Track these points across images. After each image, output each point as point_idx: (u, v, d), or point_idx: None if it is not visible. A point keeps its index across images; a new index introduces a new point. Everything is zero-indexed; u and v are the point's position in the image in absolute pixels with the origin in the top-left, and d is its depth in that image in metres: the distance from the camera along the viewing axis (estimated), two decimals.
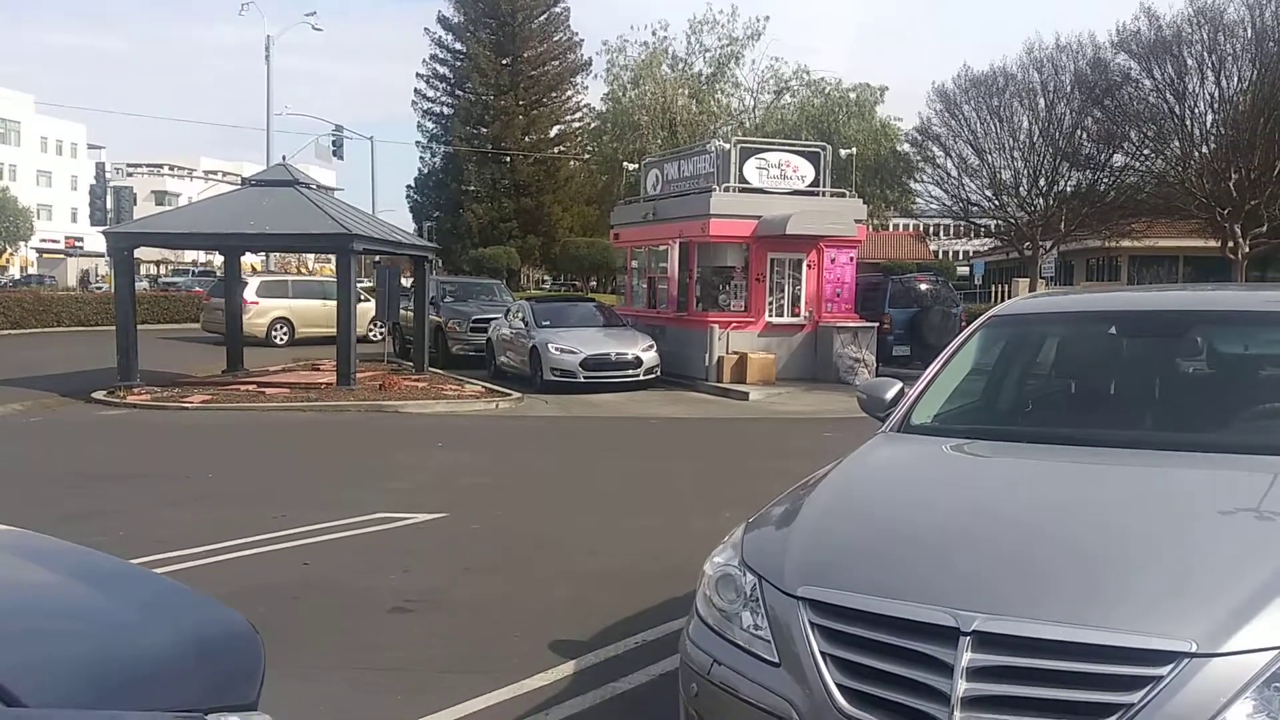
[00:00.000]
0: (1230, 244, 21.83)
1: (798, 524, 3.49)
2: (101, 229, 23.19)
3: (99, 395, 16.57)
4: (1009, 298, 35.55)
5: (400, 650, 5.38)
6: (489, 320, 21.87)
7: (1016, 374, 4.95)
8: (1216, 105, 22.11)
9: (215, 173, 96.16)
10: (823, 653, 2.89)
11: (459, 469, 10.96)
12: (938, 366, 4.74)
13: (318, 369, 20.13)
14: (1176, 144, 23.37)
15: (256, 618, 5.93)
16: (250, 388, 17.53)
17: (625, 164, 27.66)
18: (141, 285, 42.64)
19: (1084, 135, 26.58)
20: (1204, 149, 22.67)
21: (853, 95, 41.01)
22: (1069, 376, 4.91)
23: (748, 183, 19.87)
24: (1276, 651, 2.46)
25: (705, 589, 3.44)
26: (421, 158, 58.97)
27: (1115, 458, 3.85)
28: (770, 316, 19.83)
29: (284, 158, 22.58)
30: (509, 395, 17.21)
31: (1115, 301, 5.24)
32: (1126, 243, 32.58)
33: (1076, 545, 3.05)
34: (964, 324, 21.04)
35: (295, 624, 5.78)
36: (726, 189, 19.55)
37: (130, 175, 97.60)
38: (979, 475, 3.97)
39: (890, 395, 4.70)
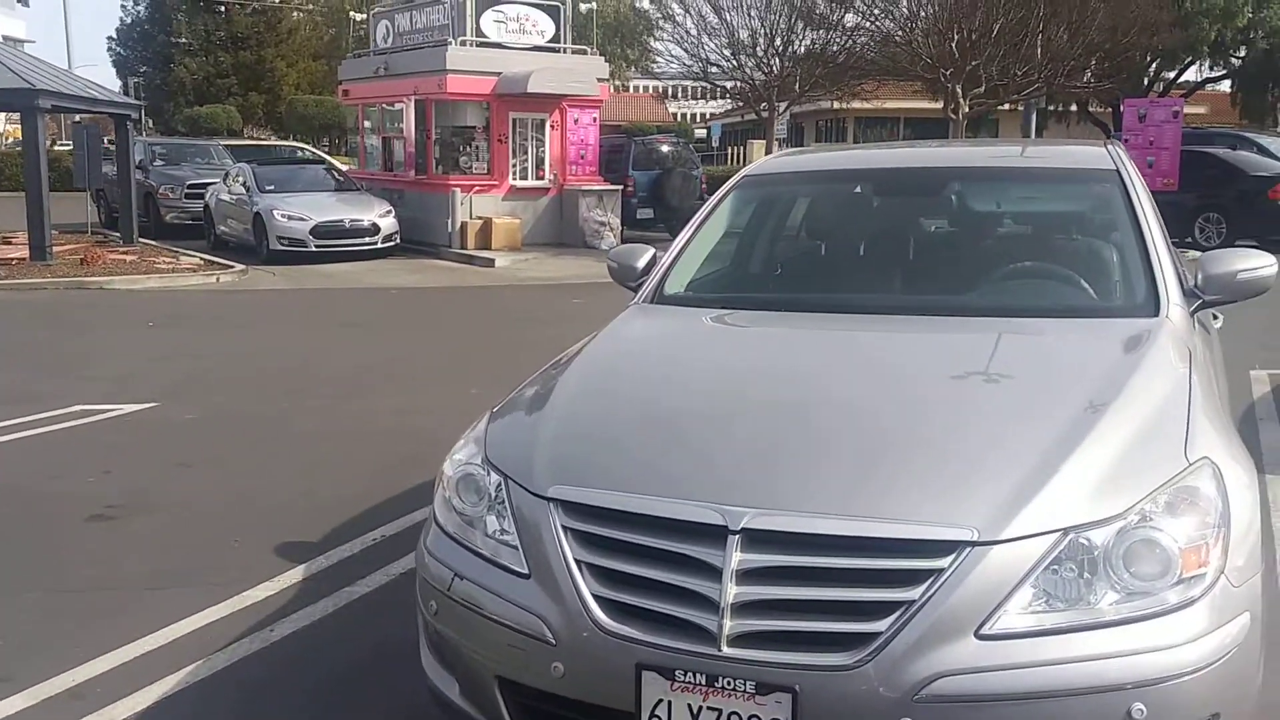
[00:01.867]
0: (952, 105, 22.79)
1: (547, 413, 3.10)
2: None
3: None
4: (746, 159, 36.23)
5: (98, 566, 4.69)
6: (206, 185, 20.09)
7: (769, 237, 4.73)
8: None
9: None
10: (577, 560, 2.54)
11: (172, 352, 9.92)
12: (690, 231, 4.43)
13: (9, 242, 17.91)
14: (905, 4, 23.99)
15: None
16: None
17: (353, 14, 25.73)
18: None
19: None
20: (930, 9, 23.35)
21: None
22: (822, 239, 4.71)
23: (486, 37, 18.87)
24: (1055, 535, 2.31)
25: (444, 491, 3.01)
26: (124, 5, 53.23)
27: (872, 325, 3.68)
28: (514, 179, 19.18)
29: None
30: (231, 268, 15.89)
31: (870, 159, 5.05)
32: (856, 104, 33.58)
33: (842, 428, 2.83)
34: (704, 186, 21.18)
35: None
36: (463, 43, 18.49)
37: None
38: (735, 351, 3.70)
39: (642, 264, 4.35)
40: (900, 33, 24.54)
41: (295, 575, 4.58)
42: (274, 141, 38.12)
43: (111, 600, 4.34)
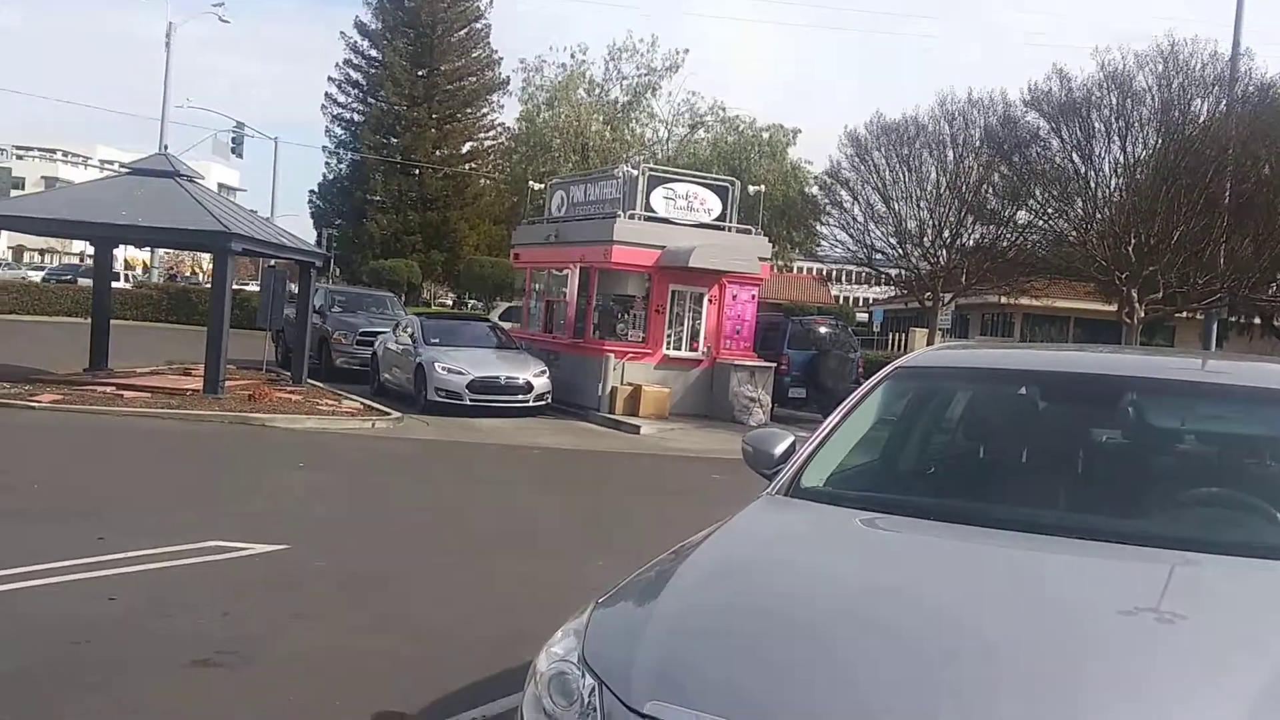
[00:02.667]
0: (1126, 309, 22.03)
1: (656, 611, 2.81)
2: None
3: None
4: (906, 346, 35.78)
5: (194, 717, 4.54)
6: (377, 334, 20.89)
7: (921, 435, 4.39)
8: (1121, 170, 22.37)
9: (112, 162, 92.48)
10: None
11: (315, 494, 10.05)
12: (835, 420, 4.14)
13: (189, 373, 18.88)
14: (1080, 205, 23.55)
15: (28, 662, 5.11)
16: (109, 389, 16.27)
17: (532, 183, 26.96)
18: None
19: (990, 190, 26.74)
20: (1106, 212, 22.88)
21: (765, 135, 40.98)
22: (981, 442, 4.32)
23: (654, 212, 19.34)
24: None
25: (535, 688, 2.74)
26: (327, 163, 57.35)
27: (1034, 547, 3.27)
28: (668, 349, 19.28)
29: (165, 148, 21.38)
30: (388, 415, 16.27)
31: (1038, 360, 4.68)
32: (1024, 300, 32.94)
33: (1000, 673, 2.43)
34: (861, 370, 20.82)
35: (70, 677, 4.90)
36: (632, 216, 18.99)
37: (20, 158, 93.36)
38: (876, 565, 3.29)
39: (779, 451, 4.08)
40: (1074, 233, 24.07)
41: None
42: (457, 310, 39.56)
43: None
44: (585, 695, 2.56)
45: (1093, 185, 22.98)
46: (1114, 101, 21.83)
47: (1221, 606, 2.85)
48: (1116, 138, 22.06)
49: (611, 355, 18.60)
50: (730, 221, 20.04)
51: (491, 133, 56.93)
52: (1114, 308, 24.88)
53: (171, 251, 63.32)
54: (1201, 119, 21.58)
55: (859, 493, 3.90)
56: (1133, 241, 21.11)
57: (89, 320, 20.09)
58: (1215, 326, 24.91)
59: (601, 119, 41.51)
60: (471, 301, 55.84)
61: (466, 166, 56.09)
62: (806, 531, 3.55)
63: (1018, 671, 2.39)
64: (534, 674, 2.78)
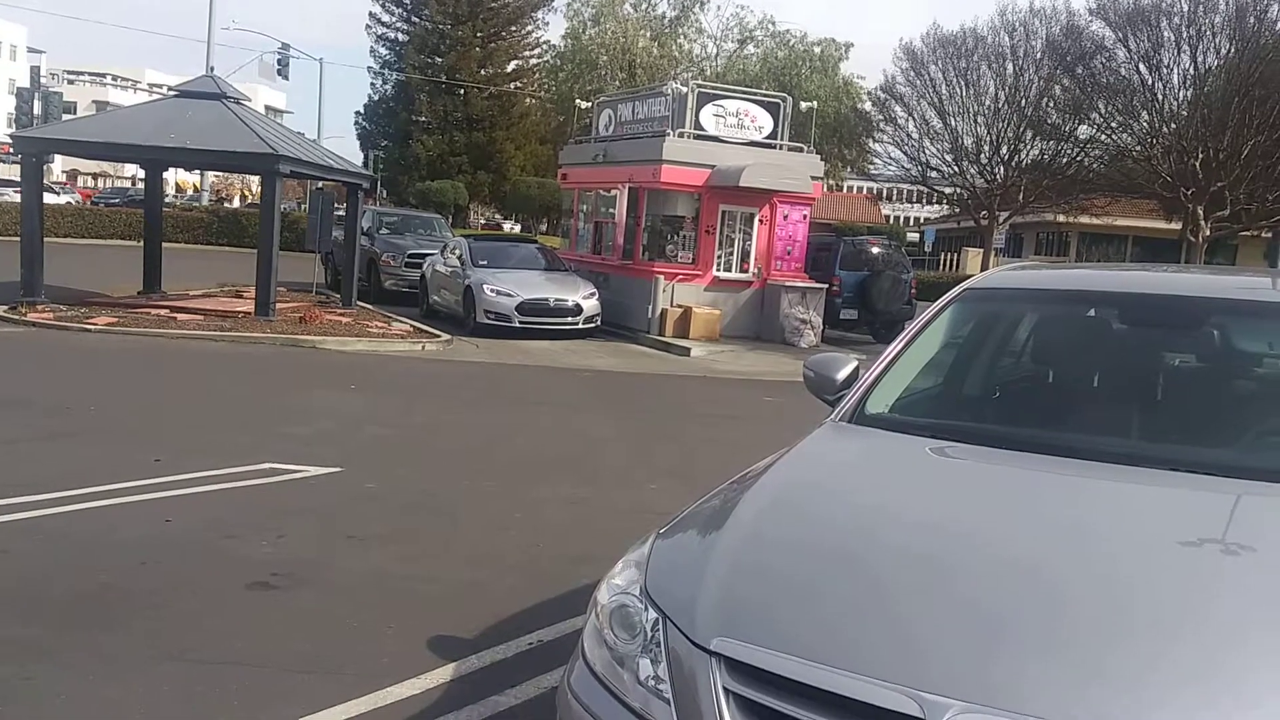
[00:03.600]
0: (1191, 227, 21.38)
1: (719, 544, 2.71)
2: (8, 133, 21.67)
3: None
4: (960, 266, 35.26)
5: (245, 640, 4.55)
6: (425, 256, 20.85)
7: (989, 359, 4.21)
8: (1190, 80, 21.55)
9: (160, 86, 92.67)
10: None
11: (367, 416, 10.07)
12: (899, 345, 3.98)
13: (240, 296, 19.03)
14: (1145, 118, 22.78)
15: (91, 584, 5.17)
16: (162, 312, 16.45)
17: (578, 102, 26.58)
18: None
19: (1051, 104, 25.95)
20: (1173, 125, 22.11)
21: (817, 50, 40.10)
22: (1052, 367, 4.15)
23: (704, 130, 18.99)
24: None
25: (596, 620, 2.66)
26: (373, 84, 57.18)
27: (1113, 477, 3.11)
28: (718, 271, 19.06)
29: (211, 70, 21.26)
30: (437, 337, 16.28)
31: (1113, 281, 4.47)
32: (1083, 219, 32.14)
33: (1070, 606, 2.31)
34: (914, 291, 20.48)
35: (131, 597, 4.94)
36: (681, 135, 18.65)
37: (71, 83, 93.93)
38: (946, 495, 3.15)
39: (842, 376, 3.94)
40: (1138, 148, 23.35)
41: (444, 674, 4.31)
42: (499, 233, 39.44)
43: (254, 681, 4.16)
44: (648, 629, 2.48)
45: (1160, 97, 22.23)
46: (1185, 8, 20.96)
47: None
48: (1187, 46, 21.25)
49: (661, 277, 18.42)
50: (781, 139, 19.64)
51: (537, 50, 56.36)
52: (1175, 226, 24.21)
53: (221, 175, 63.63)
54: (1279, 26, 20.68)
55: (926, 419, 3.76)
56: (1200, 156, 20.46)
57: (141, 243, 20.23)
58: None
59: (648, 35, 40.83)
60: (508, 224, 55.74)
61: (512, 86, 55.58)
62: (872, 461, 3.42)
63: (1080, 615, 2.27)
64: (595, 605, 2.70)
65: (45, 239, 16.99)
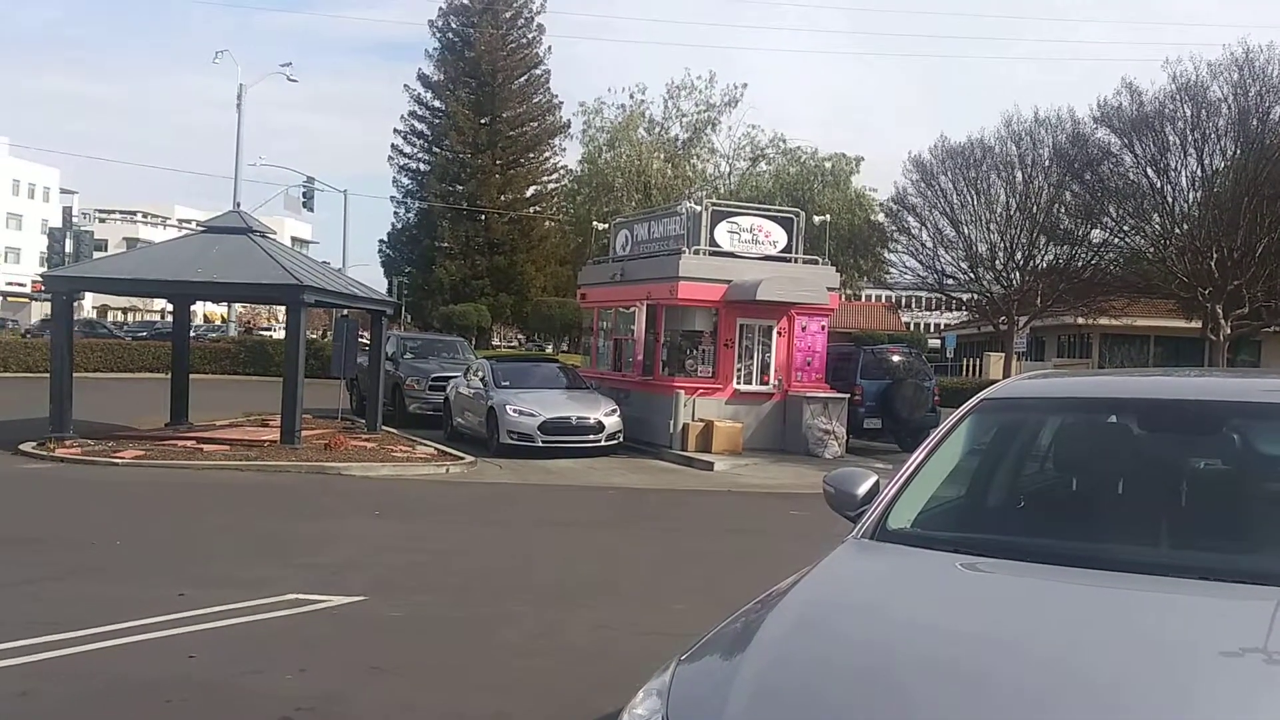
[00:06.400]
0: (1211, 325, 21.36)
1: (743, 669, 2.67)
2: (40, 272, 22.25)
3: (27, 447, 15.62)
4: (982, 372, 35.16)
5: None
6: (449, 379, 21.02)
7: (1010, 469, 4.18)
8: (1198, 182, 21.79)
9: (190, 221, 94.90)
10: None
11: (392, 542, 10.05)
12: (919, 457, 3.97)
13: (266, 424, 19.17)
14: (1157, 220, 22.98)
15: None
16: (189, 443, 16.57)
17: (595, 223, 27.07)
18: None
19: (1062, 209, 26.26)
20: (1185, 226, 22.28)
21: (828, 164, 40.85)
22: (1074, 476, 4.12)
23: (719, 246, 19.26)
24: None
25: None
26: (396, 213, 58.61)
27: (1145, 588, 3.06)
28: (738, 384, 19.10)
29: (237, 205, 21.86)
30: (461, 459, 16.32)
31: (1131, 386, 4.46)
32: (1103, 320, 32.17)
33: None
34: (937, 398, 20.42)
35: None
36: (696, 251, 18.92)
37: (102, 221, 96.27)
38: (972, 611, 3.10)
39: (863, 491, 3.92)
40: (1152, 250, 23.51)
41: None
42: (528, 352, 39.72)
43: None
44: None
45: (1169, 200, 22.44)
46: (1188, 113, 21.34)
47: None
48: (1192, 150, 21.56)
49: (682, 392, 18.47)
50: (796, 252, 19.87)
51: (554, 175, 57.64)
52: (1196, 325, 24.17)
53: (248, 305, 64.75)
54: None
55: (948, 534, 3.72)
56: (1215, 256, 20.55)
57: (169, 375, 20.51)
58: None
59: (662, 156, 41.72)
60: (527, 345, 56.19)
61: (531, 210, 56.77)
62: (896, 579, 3.38)
63: None
64: None
65: (75, 374, 17.25)
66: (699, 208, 19.82)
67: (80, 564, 8.65)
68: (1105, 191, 23.81)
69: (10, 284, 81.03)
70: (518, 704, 5.52)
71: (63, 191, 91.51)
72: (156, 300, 71.75)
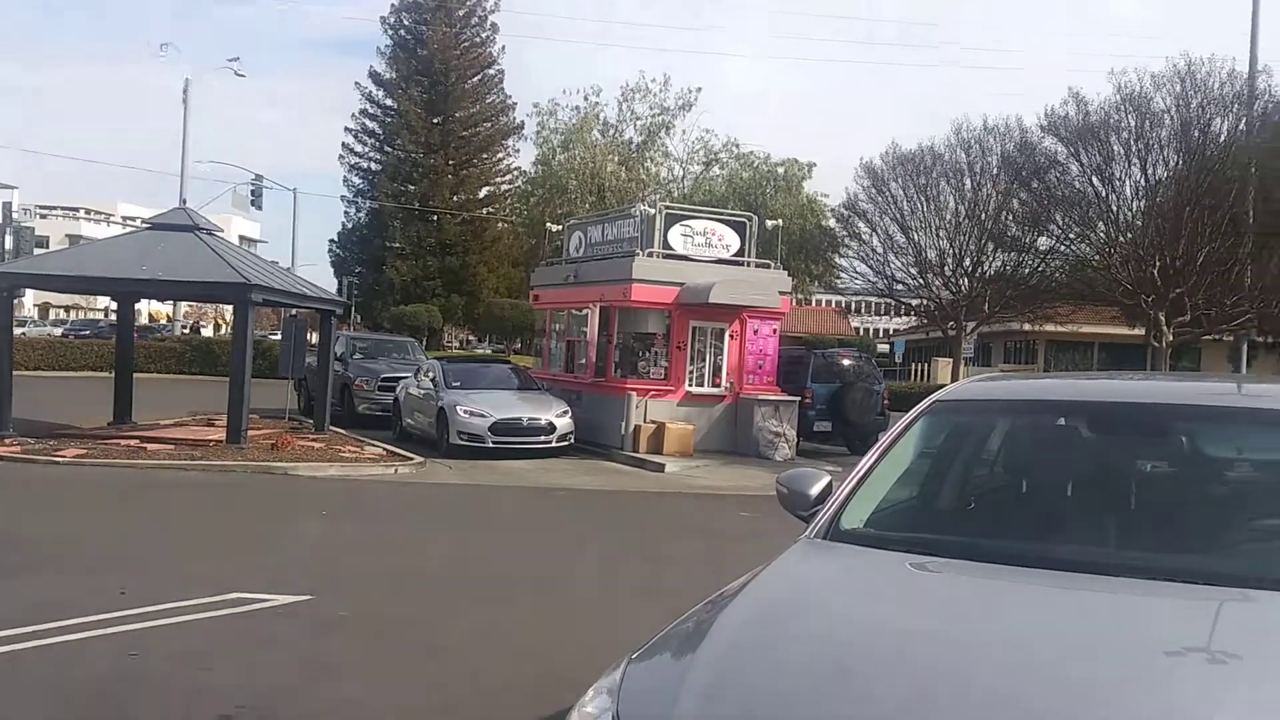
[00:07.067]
0: (1154, 333, 21.77)
1: (695, 667, 2.66)
2: None
3: None
4: (930, 376, 35.57)
5: None
6: (399, 379, 20.83)
7: (961, 470, 4.22)
8: (1142, 192, 22.22)
9: (134, 219, 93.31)
10: None
11: (338, 542, 9.94)
12: (872, 458, 3.99)
13: (212, 424, 18.87)
14: (1102, 229, 23.38)
15: None
16: (133, 442, 16.25)
17: (549, 225, 27.01)
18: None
19: (1010, 217, 26.64)
20: (1129, 235, 22.69)
21: (781, 170, 41.10)
22: (1024, 477, 4.16)
23: (672, 249, 19.29)
24: None
25: None
26: (346, 213, 57.97)
27: (1092, 588, 3.09)
28: (690, 386, 19.13)
29: (183, 202, 21.52)
30: (410, 459, 16.18)
31: (1081, 390, 4.52)
32: (1049, 326, 32.64)
33: None
34: (887, 402, 20.61)
35: None
36: (650, 254, 18.94)
37: (44, 217, 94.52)
38: (923, 610, 3.12)
39: (815, 491, 3.93)
40: (1097, 257, 23.91)
41: None
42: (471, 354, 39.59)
43: None
44: None
45: (1114, 208, 22.83)
46: (1132, 124, 21.73)
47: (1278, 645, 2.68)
48: (1136, 160, 21.95)
49: (634, 393, 18.47)
50: (749, 256, 19.96)
51: (508, 177, 57.40)
52: (1140, 332, 24.63)
53: (195, 304, 63.85)
54: (1222, 138, 21.43)
55: (900, 534, 3.74)
56: (1158, 264, 20.93)
57: (112, 374, 20.14)
58: (1245, 348, 24.60)
59: (616, 159, 41.71)
60: (486, 347, 55.95)
61: (484, 211, 56.48)
62: (849, 578, 3.39)
63: None
64: None
65: (14, 371, 16.87)
66: (653, 210, 19.86)
67: (18, 562, 8.43)
68: (1052, 199, 24.20)
69: None
70: (465, 701, 5.48)
71: (1, 186, 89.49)
72: (100, 298, 70.49)
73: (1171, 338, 22.11)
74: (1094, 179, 22.95)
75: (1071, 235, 24.61)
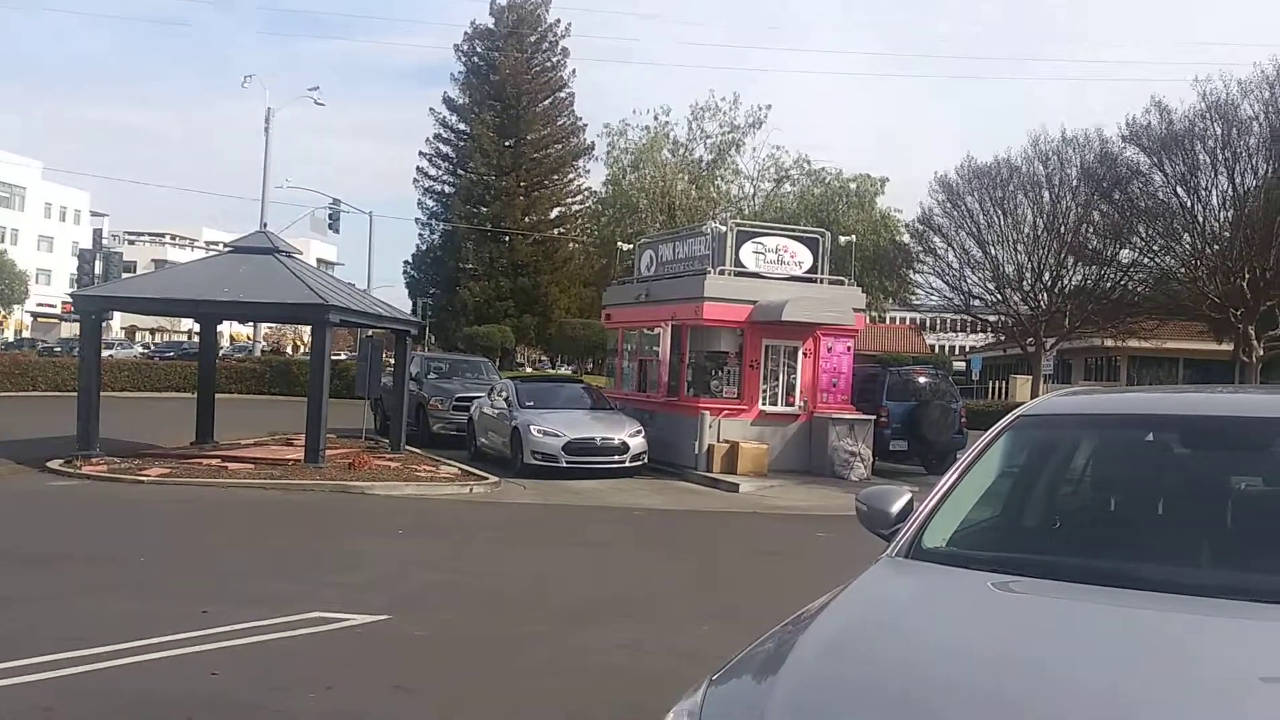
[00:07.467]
0: (1243, 347, 21.07)
1: (777, 690, 2.59)
2: (69, 292, 22.42)
3: (54, 464, 15.70)
4: (1008, 394, 34.88)
5: None
6: (472, 399, 21.00)
7: (1047, 487, 4.10)
8: (1230, 201, 21.55)
9: (217, 243, 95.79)
10: None
11: (415, 561, 10.00)
12: (954, 476, 3.88)
13: (290, 444, 19.20)
14: (1188, 240, 22.71)
15: None
16: (214, 462, 16.60)
17: (620, 244, 27.10)
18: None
19: (1090, 229, 26.05)
20: (1216, 246, 22.01)
21: (853, 185, 40.81)
22: (1113, 494, 4.02)
23: (744, 267, 19.20)
24: None
25: None
26: (420, 235, 58.91)
27: (1185, 609, 2.96)
28: (764, 405, 18.98)
29: (264, 226, 21.99)
30: (485, 479, 16.27)
31: (1170, 404, 4.36)
32: (1131, 342, 31.82)
33: None
34: (964, 420, 20.23)
35: None
36: (722, 272, 18.86)
37: (132, 243, 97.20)
38: (1011, 631, 3.02)
39: (897, 509, 3.83)
40: (1183, 270, 23.24)
41: None
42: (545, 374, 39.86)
43: None
44: None
45: (1200, 219, 22.19)
46: (1218, 131, 21.11)
47: None
48: (1223, 169, 21.32)
49: (707, 413, 18.37)
50: (822, 273, 19.78)
51: (579, 197, 57.86)
52: (1227, 347, 23.88)
53: (274, 326, 65.27)
54: None
55: (985, 553, 3.63)
56: (1247, 276, 20.28)
57: (195, 395, 20.61)
58: None
59: (687, 178, 41.79)
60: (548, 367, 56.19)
61: (555, 231, 56.94)
62: (934, 598, 3.29)
63: None
64: None
65: (102, 393, 17.35)
66: (724, 228, 19.79)
67: (104, 580, 8.64)
68: (1134, 211, 23.58)
69: (40, 304, 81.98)
70: None
71: (93, 214, 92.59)
72: (184, 320, 72.35)
73: (1262, 352, 21.38)
74: (1179, 189, 22.33)
75: (1155, 247, 23.97)
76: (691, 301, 18.71)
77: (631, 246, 24.66)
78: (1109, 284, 26.45)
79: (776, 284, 19.02)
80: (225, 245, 20.71)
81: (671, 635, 7.39)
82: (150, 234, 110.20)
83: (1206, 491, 3.74)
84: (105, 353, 26.28)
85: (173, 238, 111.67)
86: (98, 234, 43.20)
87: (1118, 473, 4.09)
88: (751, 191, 43.50)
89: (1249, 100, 20.63)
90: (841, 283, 20.15)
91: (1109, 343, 34.74)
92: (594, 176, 58.47)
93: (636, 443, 17.64)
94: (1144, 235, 23.90)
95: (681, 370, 19.34)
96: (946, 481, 3.85)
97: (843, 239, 22.25)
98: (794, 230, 21.80)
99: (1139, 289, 25.47)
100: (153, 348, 64.05)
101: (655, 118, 42.71)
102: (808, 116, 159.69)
